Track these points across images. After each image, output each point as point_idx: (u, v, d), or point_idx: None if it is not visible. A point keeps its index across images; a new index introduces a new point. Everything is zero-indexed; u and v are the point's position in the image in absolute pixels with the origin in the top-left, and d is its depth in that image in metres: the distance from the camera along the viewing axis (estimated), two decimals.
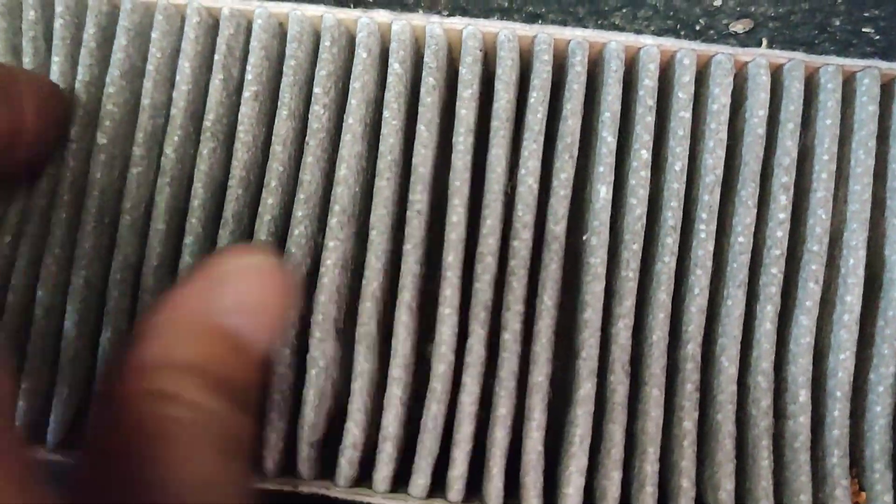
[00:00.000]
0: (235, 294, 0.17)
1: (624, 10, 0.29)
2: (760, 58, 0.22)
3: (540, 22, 0.30)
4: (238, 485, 0.16)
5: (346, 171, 0.21)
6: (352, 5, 0.29)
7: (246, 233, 0.22)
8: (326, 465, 0.21)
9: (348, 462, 0.20)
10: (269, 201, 0.21)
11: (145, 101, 0.22)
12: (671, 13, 0.29)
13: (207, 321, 0.17)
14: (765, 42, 0.29)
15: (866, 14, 0.29)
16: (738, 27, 0.29)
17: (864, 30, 0.29)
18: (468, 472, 0.20)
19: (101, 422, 0.16)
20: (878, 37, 0.29)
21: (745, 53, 0.22)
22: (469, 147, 0.21)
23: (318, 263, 0.21)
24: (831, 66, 0.22)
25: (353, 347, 0.21)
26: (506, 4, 0.30)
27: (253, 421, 0.17)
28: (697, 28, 0.29)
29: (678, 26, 0.29)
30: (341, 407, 0.21)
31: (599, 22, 0.30)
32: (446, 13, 0.30)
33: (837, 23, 0.29)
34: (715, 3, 0.29)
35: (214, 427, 0.16)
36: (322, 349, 0.20)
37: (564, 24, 0.30)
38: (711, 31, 0.29)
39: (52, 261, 0.21)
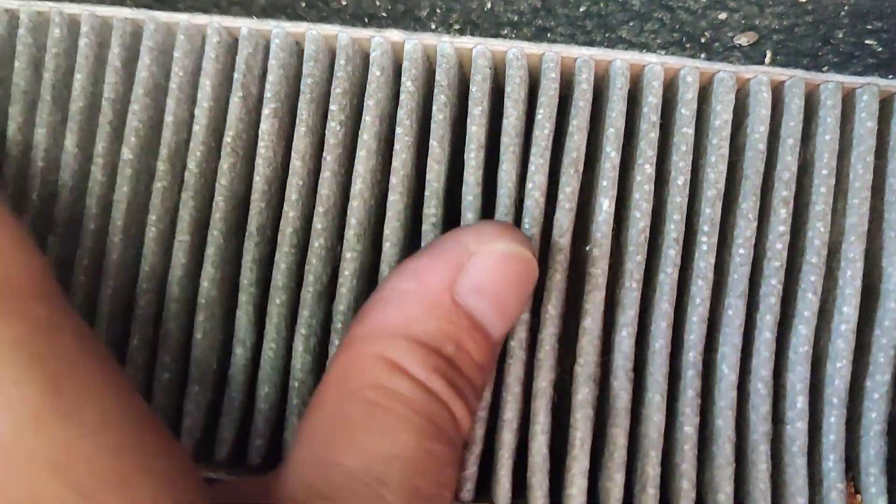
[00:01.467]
0: (479, 275, 0.17)
1: (631, 24, 0.30)
2: (762, 75, 0.22)
3: (549, 35, 0.31)
4: (433, 472, 0.16)
5: (362, 185, 0.22)
6: (366, 20, 0.30)
7: (269, 244, 0.23)
8: None
9: None
10: (291, 214, 0.22)
11: (168, 117, 0.23)
12: (677, 26, 0.30)
13: (451, 299, 0.17)
14: (769, 54, 0.30)
15: (869, 26, 0.29)
16: (743, 40, 0.30)
17: (866, 42, 0.29)
18: (478, 473, 0.21)
19: (333, 369, 0.16)
20: (880, 48, 0.29)
21: (747, 71, 0.23)
22: (480, 163, 0.22)
23: (337, 273, 0.22)
24: (831, 84, 0.22)
25: None
26: (515, 18, 0.31)
27: (465, 407, 0.17)
28: (703, 41, 0.30)
29: (684, 39, 0.30)
30: None
31: (607, 35, 0.30)
32: (458, 26, 0.31)
33: (840, 35, 0.29)
34: (720, 17, 0.30)
35: (433, 409, 0.16)
36: None
37: (573, 37, 0.31)
38: (717, 44, 0.30)
39: (81, 271, 0.23)
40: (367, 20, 0.30)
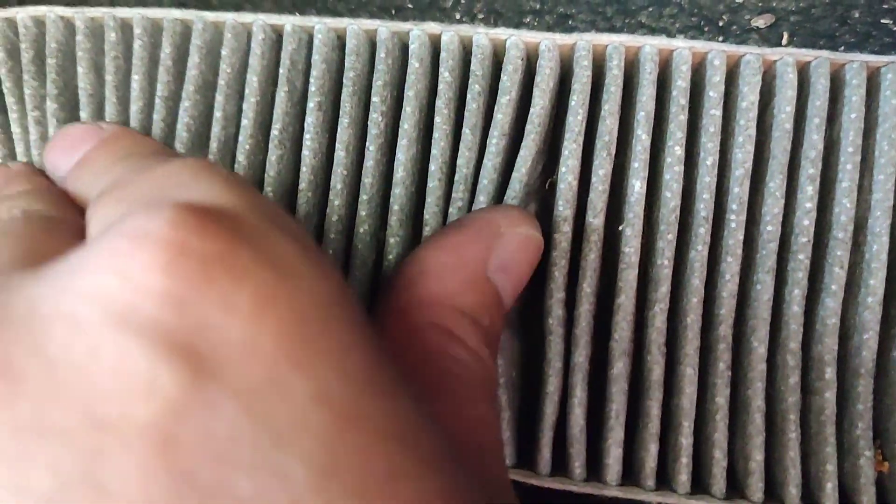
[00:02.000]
0: (506, 254, 0.17)
1: (650, 9, 0.28)
2: (787, 56, 0.21)
3: (570, 22, 0.29)
4: (499, 434, 0.15)
5: (403, 173, 0.21)
6: (393, 11, 0.29)
7: (316, 231, 0.22)
8: None
9: None
10: (336, 202, 0.21)
11: (217, 112, 0.22)
12: (695, 10, 0.28)
13: (484, 274, 0.16)
14: (786, 36, 0.28)
15: (885, 6, 0.27)
16: (760, 22, 0.28)
17: (882, 21, 0.27)
18: (516, 441, 0.21)
19: (386, 339, 0.15)
20: None
21: (773, 53, 0.21)
22: (501, 149, 0.21)
23: (382, 257, 0.21)
24: (856, 63, 0.21)
25: None
26: (537, 6, 0.29)
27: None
28: (721, 24, 0.28)
29: (702, 23, 0.28)
30: None
31: (627, 21, 0.29)
32: (482, 16, 0.29)
33: (857, 15, 0.27)
34: (737, 0, 0.28)
35: (487, 377, 0.15)
36: None
37: (593, 23, 0.29)
38: (734, 27, 0.28)
39: None
40: (394, 12, 0.29)
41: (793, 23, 0.28)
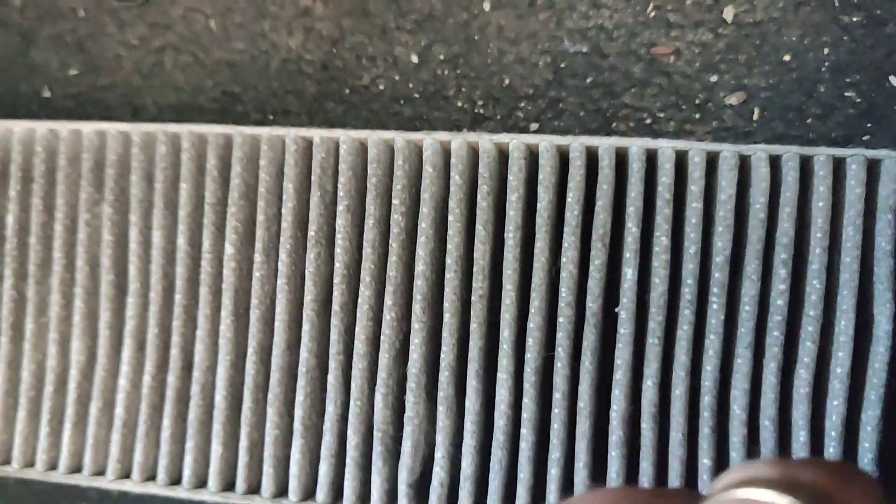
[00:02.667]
0: None
1: (633, 90, 0.28)
2: (761, 152, 0.21)
3: (560, 105, 0.29)
4: None
5: (424, 266, 0.21)
6: (402, 101, 0.29)
7: (350, 317, 0.22)
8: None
9: (438, 497, 0.21)
10: (366, 293, 0.21)
11: (260, 216, 0.22)
12: (674, 89, 0.28)
13: None
14: (757, 111, 0.27)
15: (848, 79, 0.27)
16: (733, 99, 0.27)
17: (846, 94, 0.27)
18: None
19: None
20: (859, 99, 0.27)
21: (747, 149, 0.21)
22: (518, 241, 0.21)
23: (408, 340, 0.21)
24: (822, 156, 0.20)
25: (436, 407, 0.21)
26: (531, 91, 0.29)
27: None
28: (697, 102, 0.28)
29: (680, 101, 0.28)
30: (432, 453, 0.21)
31: (612, 101, 0.28)
32: (481, 102, 0.29)
33: (822, 89, 0.27)
34: (712, 79, 0.28)
35: None
36: (416, 410, 0.21)
37: (582, 105, 0.29)
38: (710, 104, 0.28)
39: (203, 348, 0.22)
40: (402, 102, 0.29)
41: (763, 98, 0.27)
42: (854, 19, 0.27)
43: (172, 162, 0.23)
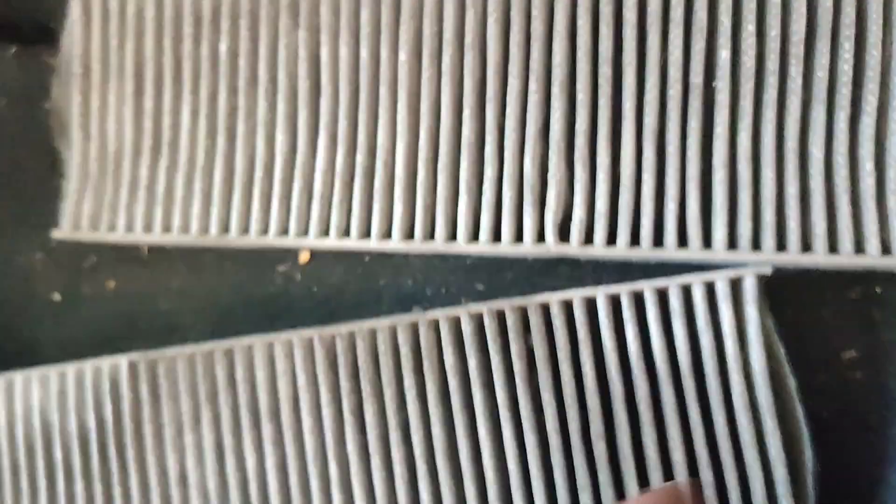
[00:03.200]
0: None
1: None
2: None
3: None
4: None
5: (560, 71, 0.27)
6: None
7: (501, 104, 0.28)
8: None
9: (577, 232, 0.27)
10: (514, 83, 0.27)
11: (426, 31, 0.28)
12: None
13: None
14: None
15: None
16: None
17: None
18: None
19: None
20: None
21: None
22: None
23: (549, 118, 0.27)
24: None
25: (573, 166, 0.27)
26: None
27: None
28: None
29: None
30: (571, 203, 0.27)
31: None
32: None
33: None
34: None
35: None
36: (558, 167, 0.27)
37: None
38: None
39: (384, 133, 0.28)
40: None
41: None
42: None
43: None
